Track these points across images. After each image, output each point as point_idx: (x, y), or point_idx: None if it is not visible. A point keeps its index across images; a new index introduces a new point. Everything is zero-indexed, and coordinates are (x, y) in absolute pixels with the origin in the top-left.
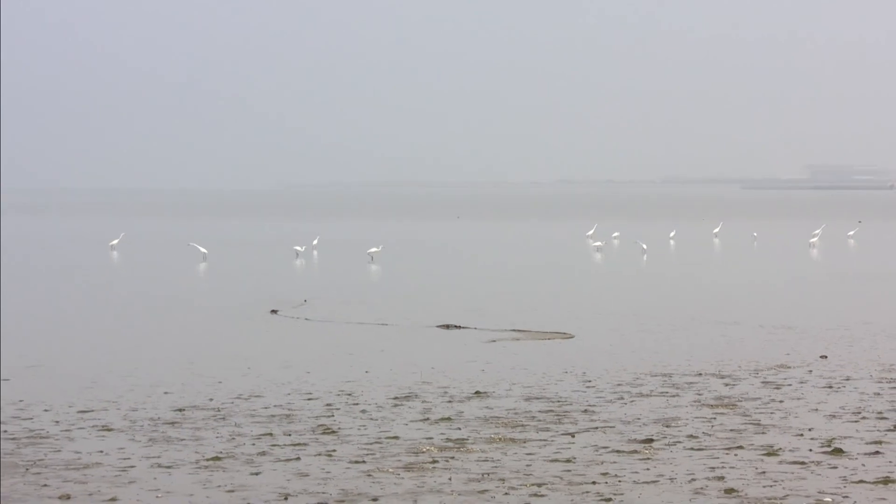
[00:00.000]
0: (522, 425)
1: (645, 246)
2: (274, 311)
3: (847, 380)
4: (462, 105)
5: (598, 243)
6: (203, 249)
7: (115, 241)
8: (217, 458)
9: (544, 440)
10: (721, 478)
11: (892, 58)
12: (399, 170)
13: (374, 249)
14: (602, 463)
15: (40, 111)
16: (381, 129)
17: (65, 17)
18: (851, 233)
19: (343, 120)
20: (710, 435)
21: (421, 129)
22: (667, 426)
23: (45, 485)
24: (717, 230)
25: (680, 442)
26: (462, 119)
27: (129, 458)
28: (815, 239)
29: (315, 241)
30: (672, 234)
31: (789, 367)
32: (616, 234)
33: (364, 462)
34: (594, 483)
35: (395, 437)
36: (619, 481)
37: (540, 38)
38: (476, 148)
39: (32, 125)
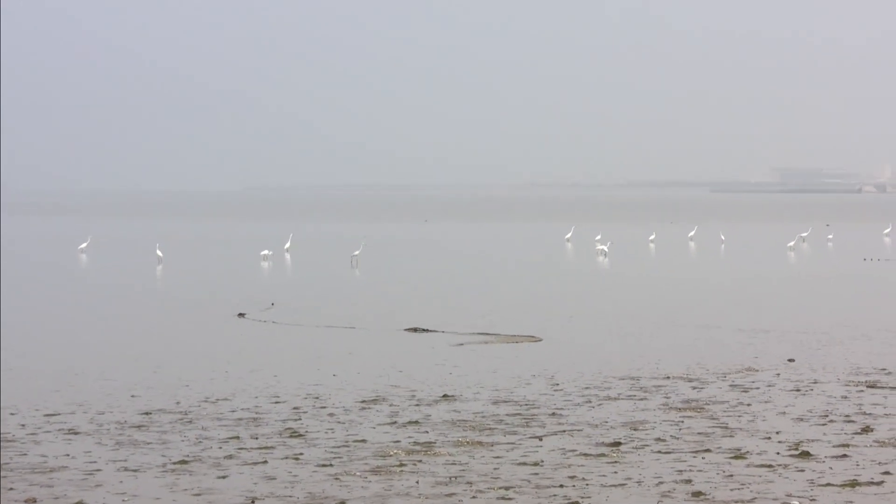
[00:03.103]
0: (490, 429)
1: (606, 248)
2: (241, 315)
3: (815, 383)
4: (425, 109)
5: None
6: (159, 253)
7: (84, 245)
8: (184, 462)
9: (512, 443)
10: (688, 481)
11: (862, 60)
12: (360, 173)
13: (356, 252)
14: (570, 466)
15: (9, 113)
16: (344, 133)
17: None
18: (830, 235)
19: (304, 122)
20: (677, 438)
21: (382, 132)
22: (634, 429)
23: (11, 488)
24: (692, 233)
25: (647, 445)
26: (426, 123)
27: (95, 462)
28: (793, 242)
29: (287, 245)
30: (651, 237)
31: (757, 371)
32: (599, 237)
33: (331, 465)
34: (562, 486)
35: (363, 441)
36: (587, 484)
37: (504, 38)
38: (442, 152)
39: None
